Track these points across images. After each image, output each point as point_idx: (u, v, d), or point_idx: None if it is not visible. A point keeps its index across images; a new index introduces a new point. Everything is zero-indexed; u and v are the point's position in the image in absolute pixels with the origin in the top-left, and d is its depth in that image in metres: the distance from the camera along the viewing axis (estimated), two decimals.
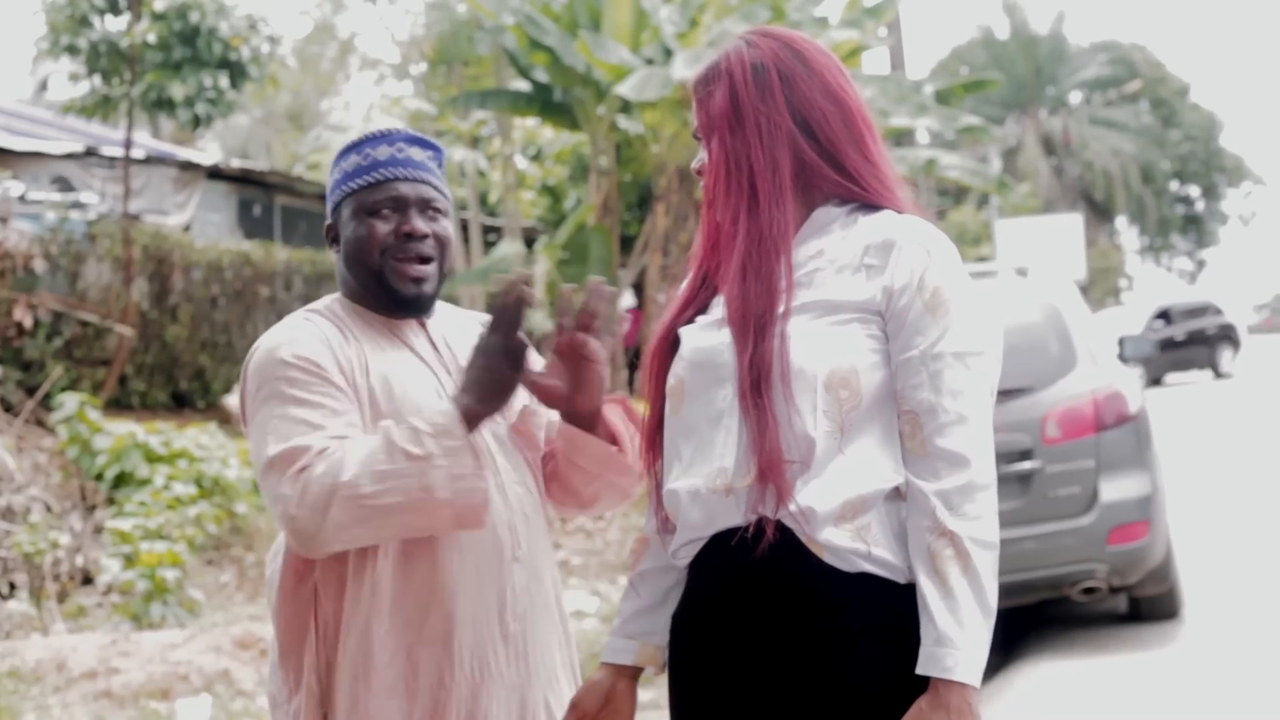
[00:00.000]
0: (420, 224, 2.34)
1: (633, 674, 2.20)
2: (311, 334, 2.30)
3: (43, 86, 24.12)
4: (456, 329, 2.46)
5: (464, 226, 17.97)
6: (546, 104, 15.70)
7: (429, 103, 19.49)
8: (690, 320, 2.15)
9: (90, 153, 14.99)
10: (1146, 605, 6.99)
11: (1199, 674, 6.01)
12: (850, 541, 1.95)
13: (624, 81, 13.47)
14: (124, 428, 10.15)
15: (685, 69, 12.97)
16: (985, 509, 1.94)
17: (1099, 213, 45.57)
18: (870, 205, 2.10)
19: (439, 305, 2.49)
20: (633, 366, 15.99)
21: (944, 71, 45.67)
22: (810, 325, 2.00)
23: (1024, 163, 43.04)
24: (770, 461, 1.95)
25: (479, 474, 2.15)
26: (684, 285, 2.21)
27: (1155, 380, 25.71)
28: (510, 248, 16.10)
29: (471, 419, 2.18)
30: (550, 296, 15.24)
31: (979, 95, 34.26)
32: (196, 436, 10.55)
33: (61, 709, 6.17)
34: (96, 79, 12.87)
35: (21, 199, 12.93)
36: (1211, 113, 51.60)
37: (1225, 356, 27.78)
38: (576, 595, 8.32)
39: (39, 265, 11.88)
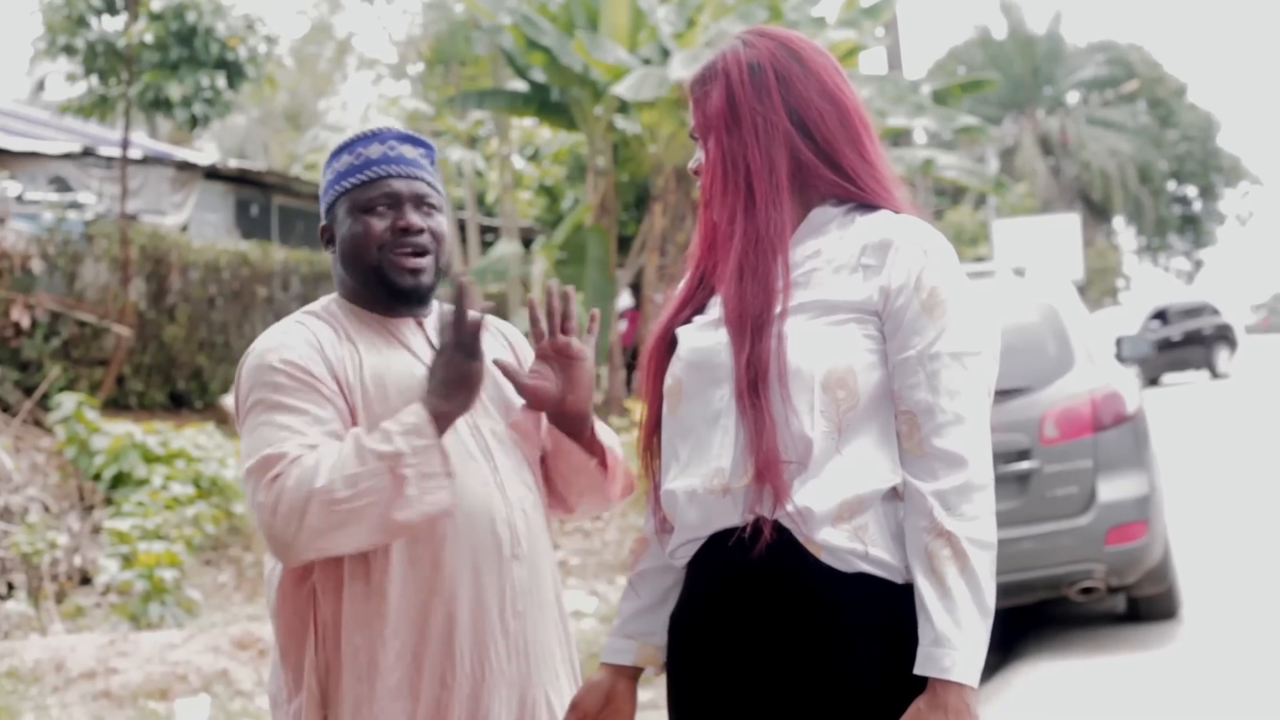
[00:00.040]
0: (415, 219, 2.36)
1: (633, 674, 2.20)
2: (303, 338, 2.31)
3: (40, 86, 24.11)
4: None
5: (461, 226, 17.97)
6: (544, 104, 15.70)
7: (426, 103, 19.48)
8: (688, 320, 2.15)
9: (87, 153, 14.98)
10: (1145, 605, 6.99)
11: (1197, 674, 6.01)
12: (847, 541, 1.95)
13: (621, 81, 13.47)
14: (122, 428, 10.15)
15: (682, 69, 12.97)
16: (983, 509, 1.94)
17: (1096, 213, 45.58)
18: (867, 205, 2.11)
19: (438, 305, 2.50)
20: (630, 367, 16.00)
21: (941, 71, 45.71)
22: (807, 325, 2.00)
23: (1021, 163, 43.05)
24: (767, 462, 1.95)
25: (446, 473, 2.17)
26: (681, 285, 2.21)
27: (1152, 380, 25.70)
28: (508, 248, 16.10)
29: (441, 419, 2.20)
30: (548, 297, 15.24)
31: (976, 95, 34.25)
32: (194, 437, 10.55)
33: (60, 709, 6.17)
34: (94, 79, 12.86)
35: (19, 199, 12.92)
36: (1209, 113, 51.62)
37: (1222, 357, 27.77)
38: (574, 595, 8.32)
39: (36, 265, 11.87)
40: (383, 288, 2.37)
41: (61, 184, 14.52)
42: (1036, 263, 10.03)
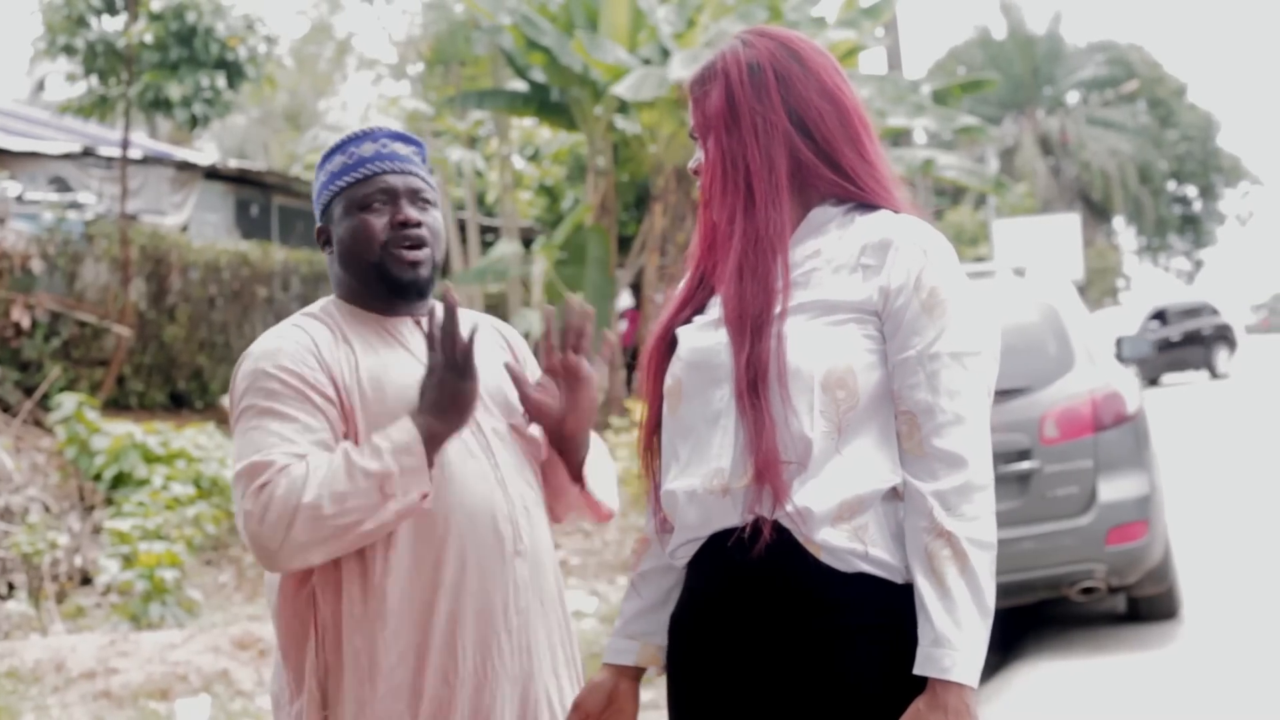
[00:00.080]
0: (412, 212, 2.37)
1: (635, 674, 2.20)
2: (298, 342, 2.31)
3: (40, 86, 24.10)
4: None
5: (461, 227, 17.97)
6: (544, 104, 15.70)
7: (426, 103, 19.46)
8: (688, 320, 2.15)
9: (87, 153, 14.98)
10: (1145, 605, 6.99)
11: (1198, 674, 6.01)
12: (847, 542, 1.95)
13: (621, 81, 13.47)
14: (122, 428, 10.15)
15: (682, 69, 12.97)
16: (983, 509, 1.94)
17: (1096, 213, 45.58)
18: (867, 205, 2.10)
19: (437, 305, 2.50)
20: (630, 367, 15.99)
21: (941, 71, 45.70)
22: (807, 325, 2.00)
23: (1021, 163, 43.04)
24: (767, 462, 1.95)
25: (428, 491, 2.20)
26: (681, 285, 2.21)
27: (1152, 381, 25.69)
28: (508, 248, 16.09)
29: (432, 438, 2.21)
30: (548, 297, 15.24)
31: (976, 95, 34.24)
32: (194, 437, 10.55)
33: (60, 709, 6.17)
34: (93, 79, 12.87)
35: (19, 199, 12.93)
36: (1209, 113, 51.60)
37: (1221, 357, 27.75)
38: (575, 595, 8.32)
39: (36, 265, 11.88)
40: (383, 285, 2.37)
41: (61, 184, 14.52)
42: (1036, 263, 10.03)
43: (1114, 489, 6.45)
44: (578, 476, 2.43)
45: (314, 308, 2.43)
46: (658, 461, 2.17)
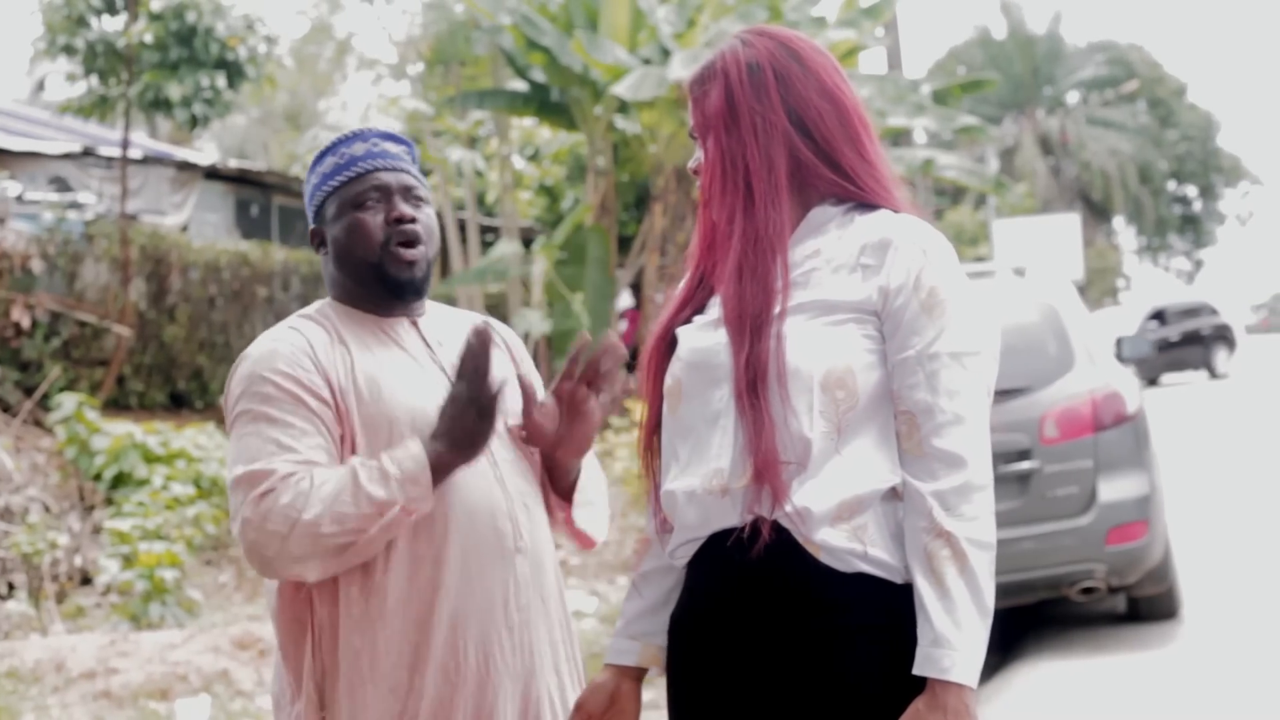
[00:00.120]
0: (407, 209, 2.38)
1: (637, 675, 2.20)
2: (294, 345, 2.31)
3: (40, 86, 24.09)
4: (452, 329, 2.47)
5: (461, 227, 17.96)
6: (544, 104, 15.70)
7: (426, 103, 19.45)
8: (688, 320, 2.15)
9: (87, 153, 14.98)
10: (1145, 605, 6.99)
11: (1198, 674, 6.01)
12: (846, 542, 1.95)
13: (621, 81, 13.47)
14: (122, 428, 10.15)
15: (682, 69, 12.98)
16: (982, 509, 1.94)
17: (1096, 213, 45.57)
18: (867, 204, 2.10)
19: (433, 305, 2.50)
20: (630, 367, 15.99)
21: (941, 71, 45.69)
22: (806, 325, 2.00)
23: (1021, 163, 43.04)
24: (766, 462, 1.94)
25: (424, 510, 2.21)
26: (681, 285, 2.21)
27: (1151, 381, 25.67)
28: (508, 248, 16.08)
29: (440, 468, 2.21)
30: (548, 297, 15.24)
31: (976, 95, 34.23)
32: (194, 437, 10.56)
33: (60, 709, 6.17)
34: (93, 79, 12.87)
35: (19, 199, 12.93)
36: (1209, 113, 51.59)
37: (1220, 357, 27.72)
38: (575, 595, 8.31)
39: (36, 265, 11.88)
40: (380, 284, 2.37)
41: (61, 184, 14.52)
42: (1036, 263, 10.03)
43: (1114, 489, 6.45)
44: (567, 499, 2.44)
45: (310, 309, 2.43)
46: (658, 461, 2.17)
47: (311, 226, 2.45)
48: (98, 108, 12.98)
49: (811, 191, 2.11)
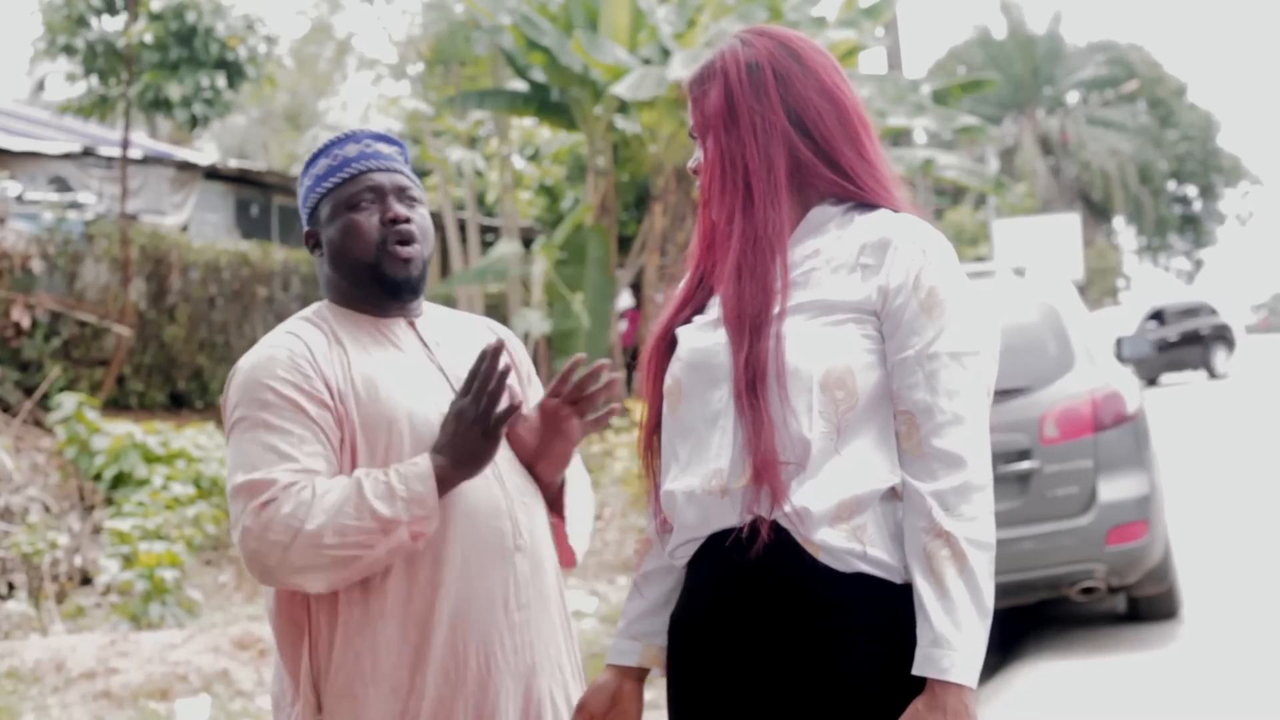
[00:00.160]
0: (401, 209, 2.38)
1: (638, 675, 2.20)
2: (291, 349, 2.31)
3: (40, 86, 24.09)
4: (449, 329, 2.48)
5: (461, 227, 17.96)
6: (544, 104, 15.70)
7: (426, 103, 19.44)
8: (687, 320, 2.15)
9: (87, 153, 14.98)
10: (1145, 605, 6.99)
11: (1198, 674, 6.01)
12: (846, 542, 1.95)
13: (621, 81, 13.47)
14: (122, 428, 10.15)
15: (682, 69, 12.97)
16: (982, 509, 1.94)
17: (1096, 213, 45.57)
18: (866, 204, 2.10)
19: (431, 306, 2.51)
20: (630, 367, 15.98)
21: (941, 71, 45.69)
22: (806, 325, 2.00)
23: (1021, 162, 43.03)
24: (765, 462, 1.94)
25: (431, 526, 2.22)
26: (681, 285, 2.21)
27: (1150, 381, 25.66)
28: (508, 248, 16.08)
29: (444, 482, 2.22)
30: (548, 297, 15.23)
31: (976, 95, 34.23)
32: (194, 437, 10.56)
33: (60, 709, 6.17)
34: (93, 79, 12.86)
35: (19, 199, 12.92)
36: (1209, 113, 51.57)
37: (1220, 357, 27.70)
38: (575, 595, 8.32)
39: (36, 265, 11.87)
40: (376, 285, 2.37)
41: (61, 184, 14.52)
42: (1036, 263, 10.03)
43: (1114, 489, 6.45)
44: (552, 508, 2.45)
45: (306, 312, 2.44)
46: (658, 461, 2.17)
47: (306, 229, 2.45)
48: (98, 108, 12.98)
49: (811, 191, 2.11)
